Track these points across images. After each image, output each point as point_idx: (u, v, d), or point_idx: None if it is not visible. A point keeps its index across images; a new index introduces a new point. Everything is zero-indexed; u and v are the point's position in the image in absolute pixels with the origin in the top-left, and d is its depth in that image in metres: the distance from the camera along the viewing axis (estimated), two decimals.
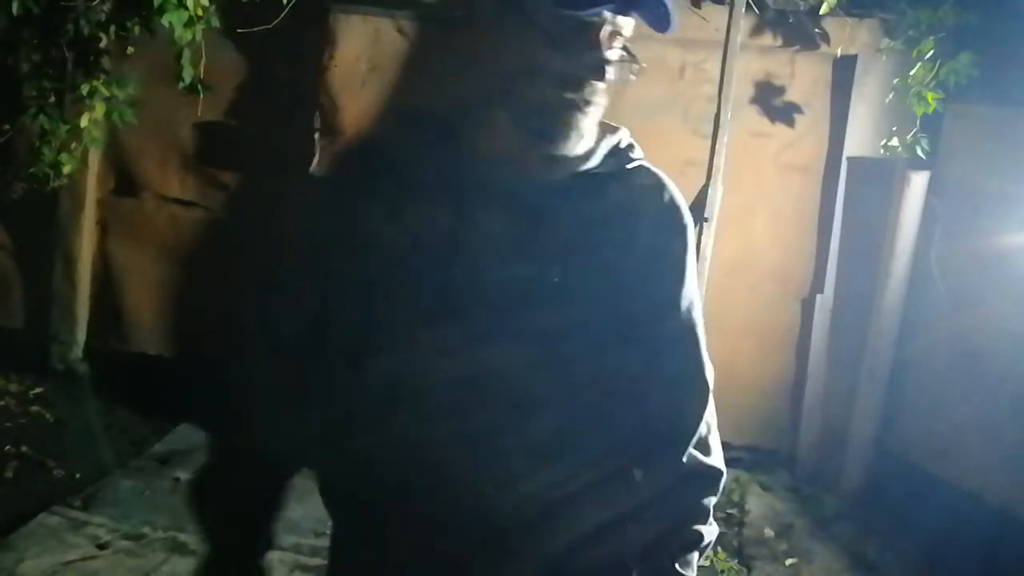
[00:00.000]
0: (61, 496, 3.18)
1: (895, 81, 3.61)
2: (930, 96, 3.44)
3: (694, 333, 1.17)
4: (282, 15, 3.48)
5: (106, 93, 3.74)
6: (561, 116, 1.03)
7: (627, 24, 1.03)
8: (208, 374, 1.26)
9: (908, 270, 3.70)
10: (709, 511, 1.20)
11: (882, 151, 3.70)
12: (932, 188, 3.65)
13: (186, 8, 3.34)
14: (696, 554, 1.18)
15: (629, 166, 1.13)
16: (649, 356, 1.14)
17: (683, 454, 1.16)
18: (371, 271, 1.06)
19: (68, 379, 4.16)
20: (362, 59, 4.01)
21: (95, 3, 3.50)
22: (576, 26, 0.99)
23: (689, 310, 1.16)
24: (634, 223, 1.10)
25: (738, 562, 3.30)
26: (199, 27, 3.43)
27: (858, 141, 3.80)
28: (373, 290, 1.06)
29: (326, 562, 1.27)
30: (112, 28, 3.58)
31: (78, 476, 3.35)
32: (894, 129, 3.64)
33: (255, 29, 3.54)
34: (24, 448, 3.46)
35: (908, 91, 3.53)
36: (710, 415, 1.20)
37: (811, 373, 3.93)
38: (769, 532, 3.54)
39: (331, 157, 1.09)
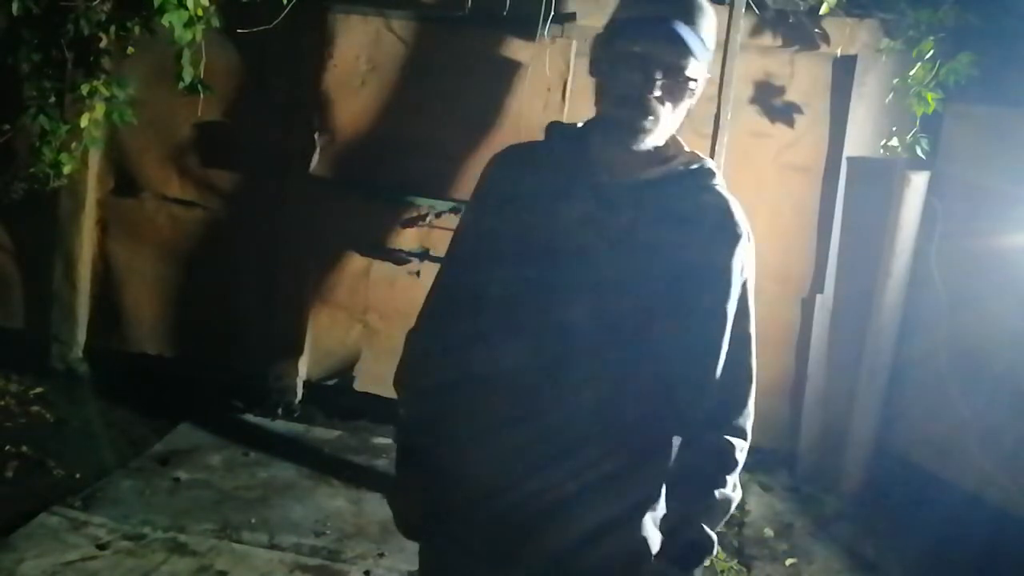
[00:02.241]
0: (61, 496, 3.18)
1: (895, 81, 3.61)
2: (930, 96, 3.44)
3: (723, 327, 1.46)
4: (282, 15, 3.49)
5: (106, 93, 3.74)
6: (624, 126, 1.43)
7: (666, 53, 1.39)
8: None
9: (908, 270, 3.70)
10: (726, 481, 1.56)
11: (882, 151, 3.70)
12: (932, 188, 3.65)
13: (186, 8, 3.34)
14: (720, 514, 1.58)
15: (703, 186, 1.49)
16: (675, 331, 1.44)
17: (696, 415, 1.49)
18: (503, 227, 1.50)
19: (68, 379, 4.16)
20: (362, 59, 4.01)
21: (95, 3, 3.50)
22: (624, 71, 1.40)
23: (723, 310, 1.45)
24: (693, 229, 1.44)
25: (738, 562, 3.31)
26: (199, 27, 3.43)
27: (858, 141, 3.79)
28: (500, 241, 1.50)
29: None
30: (112, 28, 3.58)
31: (78, 476, 3.35)
32: (894, 129, 3.64)
33: (255, 29, 3.54)
34: (24, 448, 3.46)
35: (908, 91, 3.53)
36: (740, 398, 1.52)
37: (811, 373, 3.93)
38: (769, 532, 3.54)
39: (501, 148, 1.59)
